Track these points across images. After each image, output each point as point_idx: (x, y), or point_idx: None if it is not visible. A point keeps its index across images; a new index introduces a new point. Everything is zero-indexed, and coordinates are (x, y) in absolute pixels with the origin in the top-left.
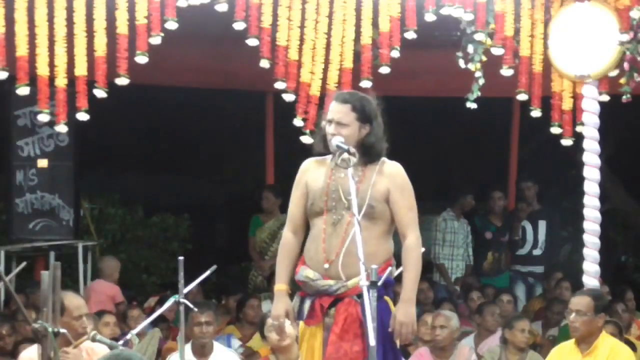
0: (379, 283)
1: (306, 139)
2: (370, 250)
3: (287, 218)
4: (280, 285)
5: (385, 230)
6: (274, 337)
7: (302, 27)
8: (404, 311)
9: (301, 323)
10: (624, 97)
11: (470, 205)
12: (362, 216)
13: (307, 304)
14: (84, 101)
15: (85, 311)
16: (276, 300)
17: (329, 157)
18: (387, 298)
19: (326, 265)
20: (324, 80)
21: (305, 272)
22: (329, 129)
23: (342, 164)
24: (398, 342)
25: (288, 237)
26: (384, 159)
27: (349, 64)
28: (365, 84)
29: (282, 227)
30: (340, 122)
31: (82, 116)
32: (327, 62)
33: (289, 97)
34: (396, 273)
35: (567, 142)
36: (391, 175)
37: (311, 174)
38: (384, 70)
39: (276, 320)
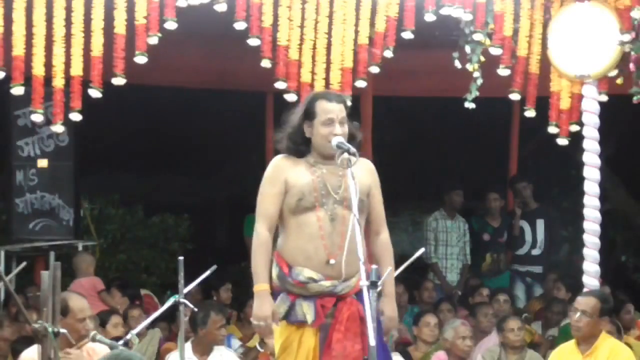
0: (379, 283)
1: None
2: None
3: (261, 215)
4: (263, 285)
5: (364, 225)
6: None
7: (302, 26)
8: (391, 306)
9: (283, 324)
10: (635, 98)
11: (459, 201)
12: (359, 210)
13: (306, 305)
14: (77, 101)
15: (89, 314)
16: (261, 301)
17: (302, 159)
18: None
19: (332, 261)
20: (327, 80)
21: (306, 273)
22: (334, 129)
23: (342, 164)
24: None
25: (265, 235)
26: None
27: (349, 63)
28: (360, 83)
29: None
30: (342, 121)
31: (75, 116)
32: (328, 62)
33: (291, 97)
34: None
35: (562, 141)
36: (370, 171)
37: (290, 171)
38: (374, 70)
39: (263, 321)
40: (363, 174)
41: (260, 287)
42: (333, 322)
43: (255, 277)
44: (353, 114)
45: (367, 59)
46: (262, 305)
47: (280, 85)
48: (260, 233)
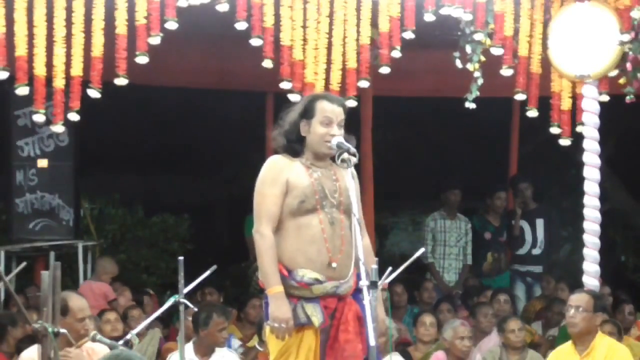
0: (379, 283)
1: None
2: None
3: (264, 216)
4: (278, 287)
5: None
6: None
7: (304, 27)
8: (381, 310)
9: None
10: (628, 97)
11: (455, 201)
12: (351, 214)
13: (310, 307)
14: (77, 102)
15: (89, 313)
16: (280, 303)
17: (297, 159)
18: None
19: (334, 265)
20: (327, 80)
21: (311, 275)
22: (332, 129)
23: (342, 165)
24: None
25: (271, 236)
26: None
27: (352, 64)
28: (363, 83)
29: None
30: (340, 124)
31: (73, 116)
32: (329, 62)
33: (294, 98)
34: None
35: (565, 142)
36: (355, 177)
37: (290, 171)
38: (384, 70)
39: (284, 323)
40: (349, 179)
41: (275, 289)
42: (335, 323)
43: (268, 280)
44: (353, 114)
45: (370, 58)
46: (281, 307)
47: (285, 85)
48: (266, 235)
